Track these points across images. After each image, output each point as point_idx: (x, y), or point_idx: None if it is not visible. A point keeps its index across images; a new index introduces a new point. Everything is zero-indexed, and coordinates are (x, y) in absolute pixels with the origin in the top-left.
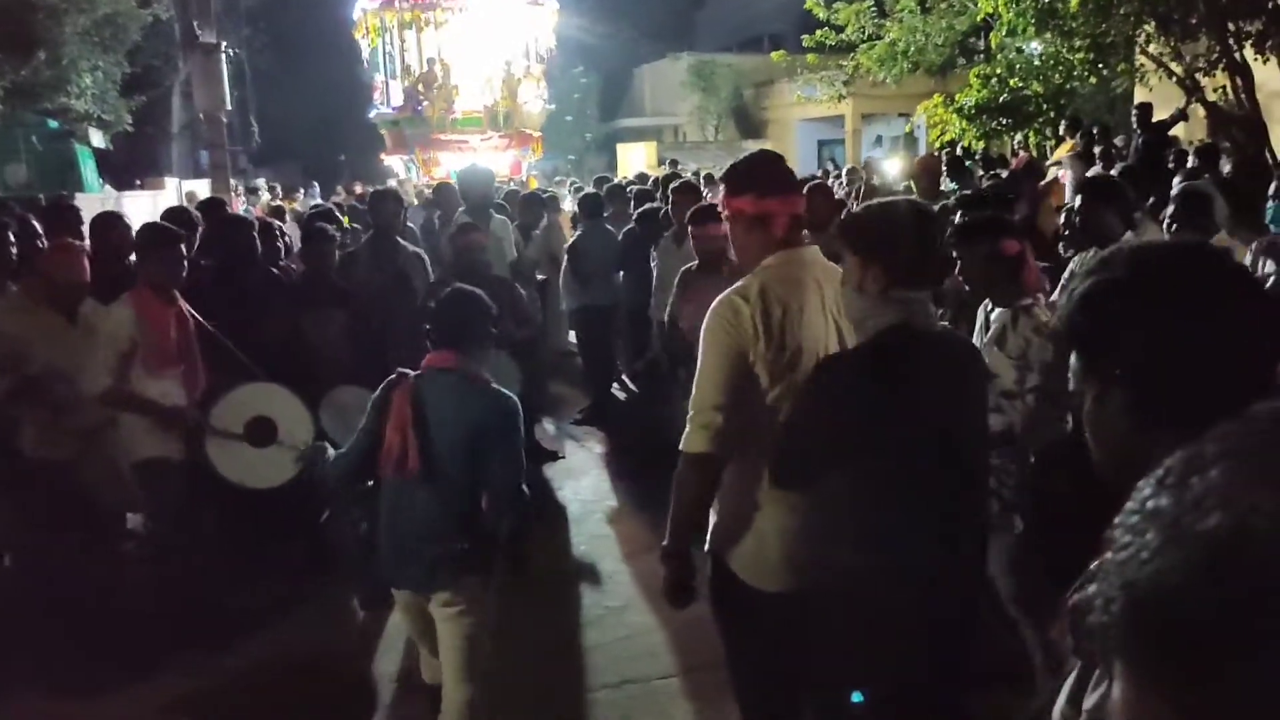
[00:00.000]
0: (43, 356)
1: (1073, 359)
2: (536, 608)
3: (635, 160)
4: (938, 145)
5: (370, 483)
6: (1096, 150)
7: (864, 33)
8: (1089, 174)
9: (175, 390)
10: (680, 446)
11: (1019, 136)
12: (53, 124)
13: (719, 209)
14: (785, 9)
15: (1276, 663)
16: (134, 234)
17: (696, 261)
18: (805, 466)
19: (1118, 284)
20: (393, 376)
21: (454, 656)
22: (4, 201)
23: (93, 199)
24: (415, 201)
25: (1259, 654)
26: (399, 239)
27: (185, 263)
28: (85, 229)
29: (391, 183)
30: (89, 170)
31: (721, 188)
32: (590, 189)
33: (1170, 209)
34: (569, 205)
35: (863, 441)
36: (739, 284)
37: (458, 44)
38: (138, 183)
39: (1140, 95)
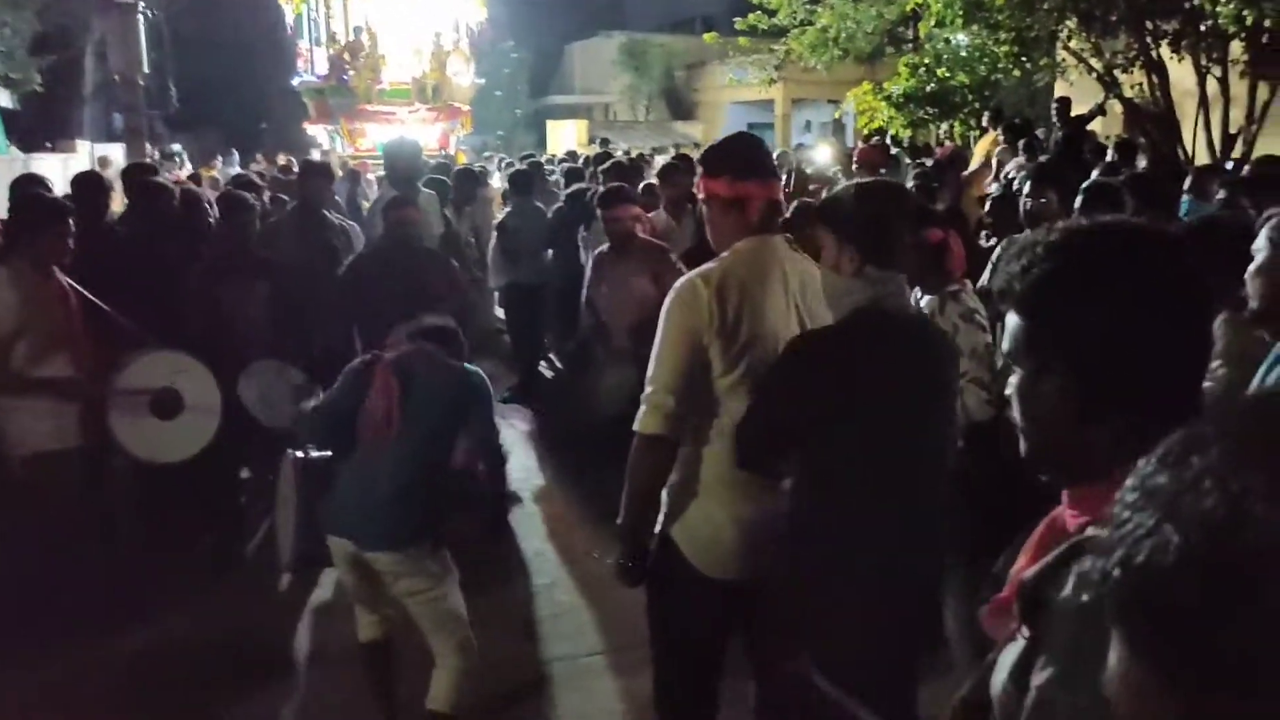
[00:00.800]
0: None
1: (1012, 323)
2: (463, 585)
3: (565, 138)
4: (866, 132)
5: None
6: (1020, 142)
7: (796, 18)
8: (1036, 161)
9: (66, 372)
10: (634, 427)
11: (944, 126)
12: None
13: (627, 192)
14: None
15: (1264, 644)
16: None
17: (608, 244)
18: (769, 445)
19: (1080, 259)
20: (369, 355)
21: (428, 617)
22: None
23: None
24: (340, 173)
25: (1248, 635)
26: (325, 212)
27: (71, 240)
28: None
29: (315, 153)
30: None
31: (699, 168)
32: (520, 166)
33: (1080, 202)
34: (497, 181)
35: (827, 420)
36: (704, 267)
37: (386, 12)
38: (47, 145)
39: (1060, 89)
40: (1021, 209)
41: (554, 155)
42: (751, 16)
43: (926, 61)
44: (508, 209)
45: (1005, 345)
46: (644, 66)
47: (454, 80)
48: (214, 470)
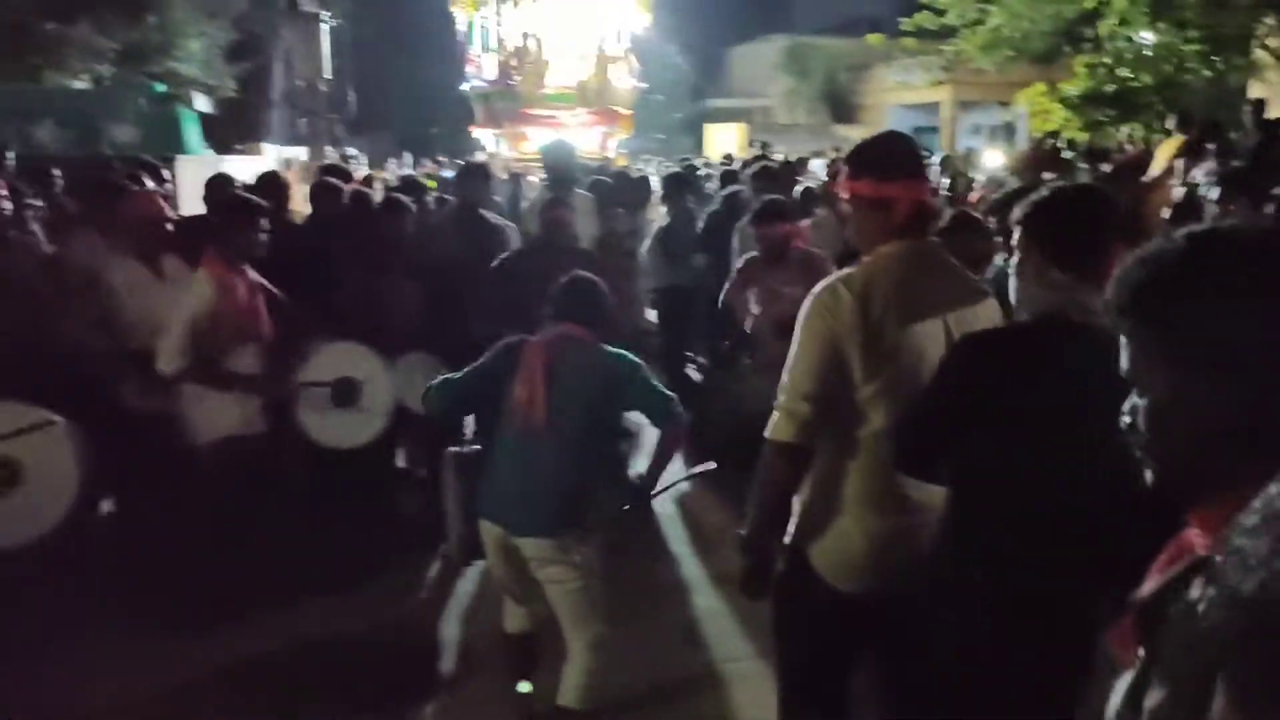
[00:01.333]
0: (133, 307)
1: (1137, 336)
2: (608, 581)
3: (723, 141)
4: (1039, 135)
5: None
6: (1210, 147)
7: (966, 17)
8: (1227, 166)
9: (253, 364)
10: (765, 433)
11: (1125, 129)
12: (159, 88)
13: (779, 207)
14: None
15: None
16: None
17: (756, 252)
18: (927, 445)
19: (1217, 260)
20: (514, 339)
21: (567, 607)
22: (109, 160)
23: (193, 161)
24: (503, 175)
25: None
26: (483, 212)
27: (263, 236)
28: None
29: (480, 156)
30: (192, 134)
31: (843, 168)
32: (675, 168)
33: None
34: (654, 184)
35: (988, 424)
36: (846, 270)
37: (552, 18)
38: (237, 147)
39: (1256, 91)
40: (1209, 218)
41: (709, 159)
42: (918, 16)
43: (1107, 61)
44: (667, 212)
45: (1126, 364)
46: (805, 69)
47: (616, 84)
48: (373, 461)
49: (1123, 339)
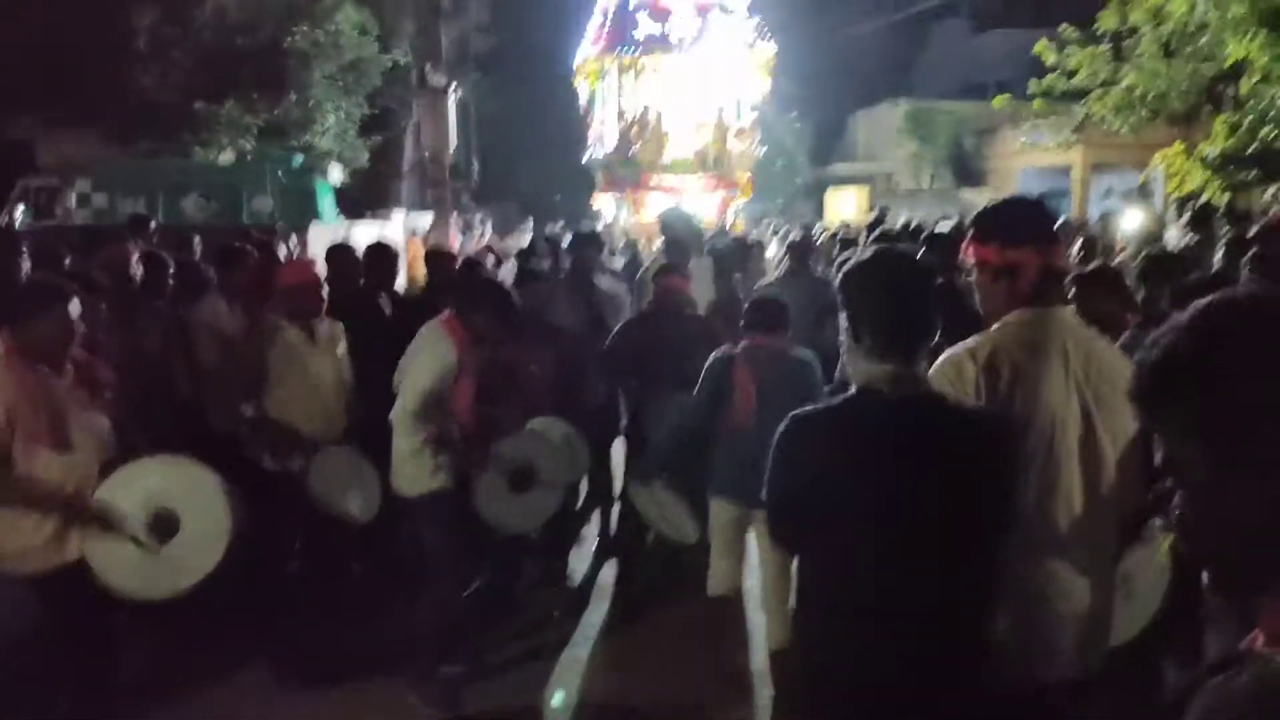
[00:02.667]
0: (288, 373)
1: (1175, 419)
2: None
3: (844, 206)
4: (1176, 197)
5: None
6: None
7: (1098, 78)
8: None
9: (453, 425)
10: None
11: (1270, 190)
12: (298, 160)
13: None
14: (1011, 55)
15: None
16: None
17: None
18: (785, 530)
19: (1237, 324)
20: (718, 353)
21: (778, 571)
22: (247, 229)
23: (326, 228)
24: (623, 241)
25: None
26: (595, 281)
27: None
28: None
29: (599, 224)
30: (327, 203)
31: (970, 232)
32: (793, 234)
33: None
34: (773, 250)
35: (816, 510)
36: (971, 340)
37: (674, 88)
38: (367, 214)
39: None
40: None
41: (828, 225)
42: (1048, 78)
43: (1249, 119)
44: (771, 280)
45: (1163, 455)
46: (929, 133)
47: (735, 150)
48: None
49: (1153, 427)
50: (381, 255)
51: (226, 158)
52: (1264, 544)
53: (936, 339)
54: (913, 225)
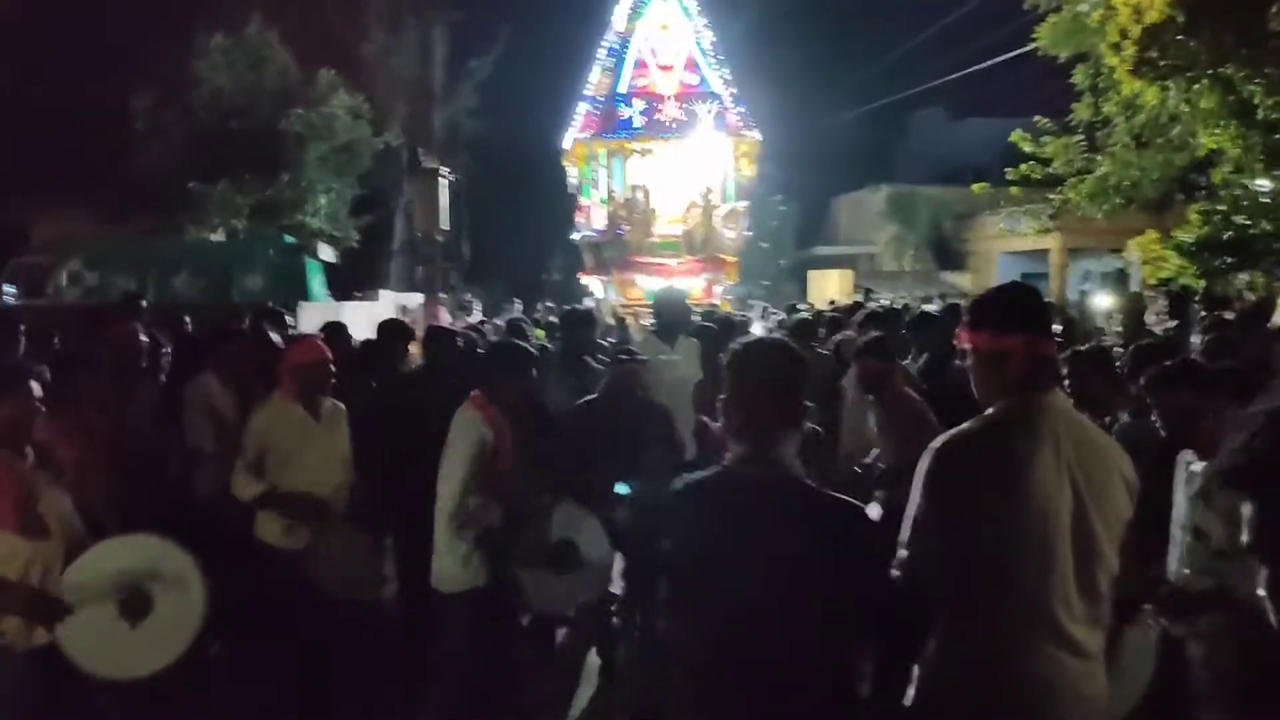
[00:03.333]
0: (294, 451)
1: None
2: None
3: (828, 287)
4: (1153, 282)
5: None
6: None
7: (1073, 166)
8: None
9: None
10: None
11: (1244, 276)
12: (288, 239)
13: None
14: (989, 142)
15: None
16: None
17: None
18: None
19: None
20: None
21: None
22: (238, 307)
23: (316, 308)
24: (611, 321)
25: None
26: (588, 359)
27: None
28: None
29: (589, 302)
30: (316, 282)
31: (964, 317)
32: (804, 314)
33: None
34: (758, 329)
35: (681, 581)
36: (966, 424)
37: (661, 171)
38: (357, 294)
39: None
40: None
41: (813, 305)
42: (1024, 166)
43: (1222, 208)
44: None
45: (1249, 536)
46: (910, 217)
47: (721, 232)
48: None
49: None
50: (401, 333)
51: (218, 237)
52: None
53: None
54: (900, 305)
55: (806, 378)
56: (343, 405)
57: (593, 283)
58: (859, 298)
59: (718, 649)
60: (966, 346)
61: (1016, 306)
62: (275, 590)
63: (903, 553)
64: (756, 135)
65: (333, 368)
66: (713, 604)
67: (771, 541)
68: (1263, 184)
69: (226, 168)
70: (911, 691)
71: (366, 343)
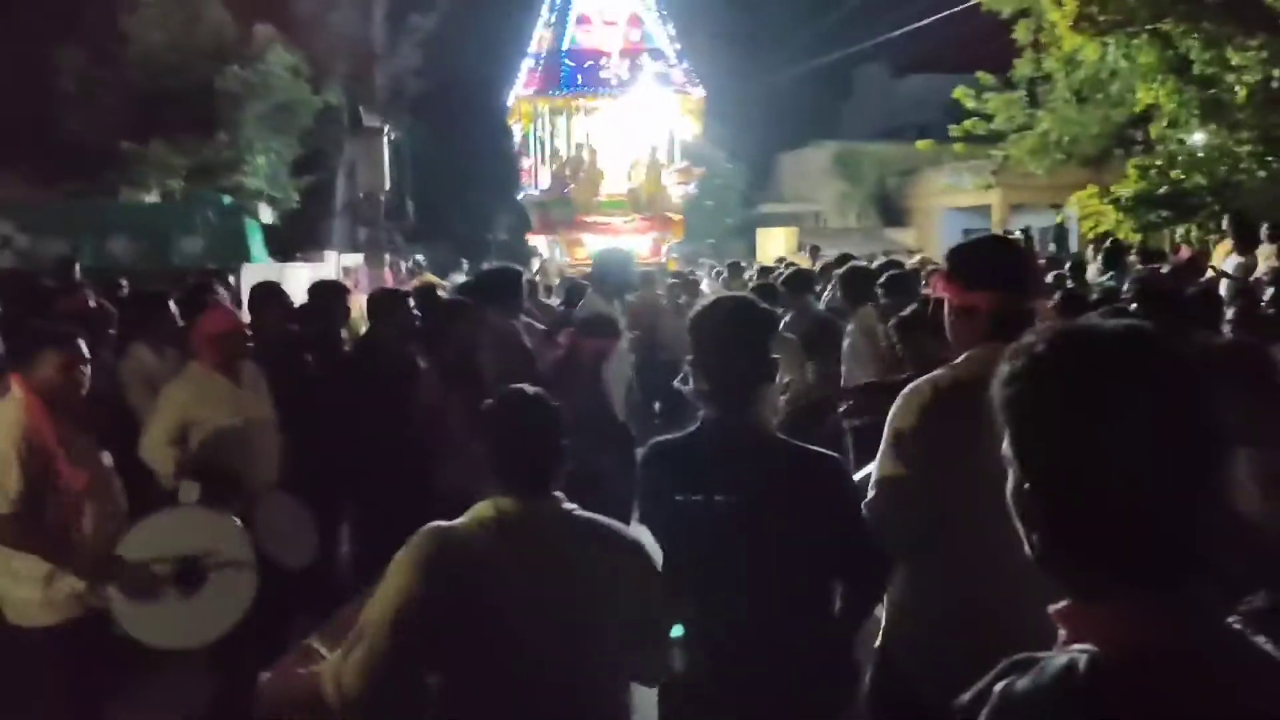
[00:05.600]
0: (216, 419)
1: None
2: None
3: (774, 246)
4: (1091, 237)
5: None
6: (1269, 248)
7: (1014, 122)
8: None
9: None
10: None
11: (1180, 230)
12: (227, 201)
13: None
14: (932, 99)
15: None
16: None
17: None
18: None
19: (1047, 369)
20: None
21: None
22: (179, 271)
23: (257, 270)
24: (556, 281)
25: None
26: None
27: None
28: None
29: (534, 262)
30: (257, 244)
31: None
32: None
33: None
34: (706, 287)
35: (672, 531)
36: (935, 372)
37: (606, 129)
38: (298, 256)
39: None
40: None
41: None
42: (967, 123)
43: (1159, 163)
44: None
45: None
46: (855, 174)
47: (668, 192)
48: None
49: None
50: (335, 294)
51: (154, 198)
52: (1043, 559)
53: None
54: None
55: (774, 332)
56: (259, 370)
57: (540, 243)
58: (806, 255)
59: (710, 612)
60: (941, 297)
61: (988, 262)
62: None
63: (872, 493)
64: (701, 92)
65: (248, 333)
66: (700, 564)
67: (750, 496)
68: (1198, 138)
69: (161, 127)
70: (882, 639)
71: (301, 307)
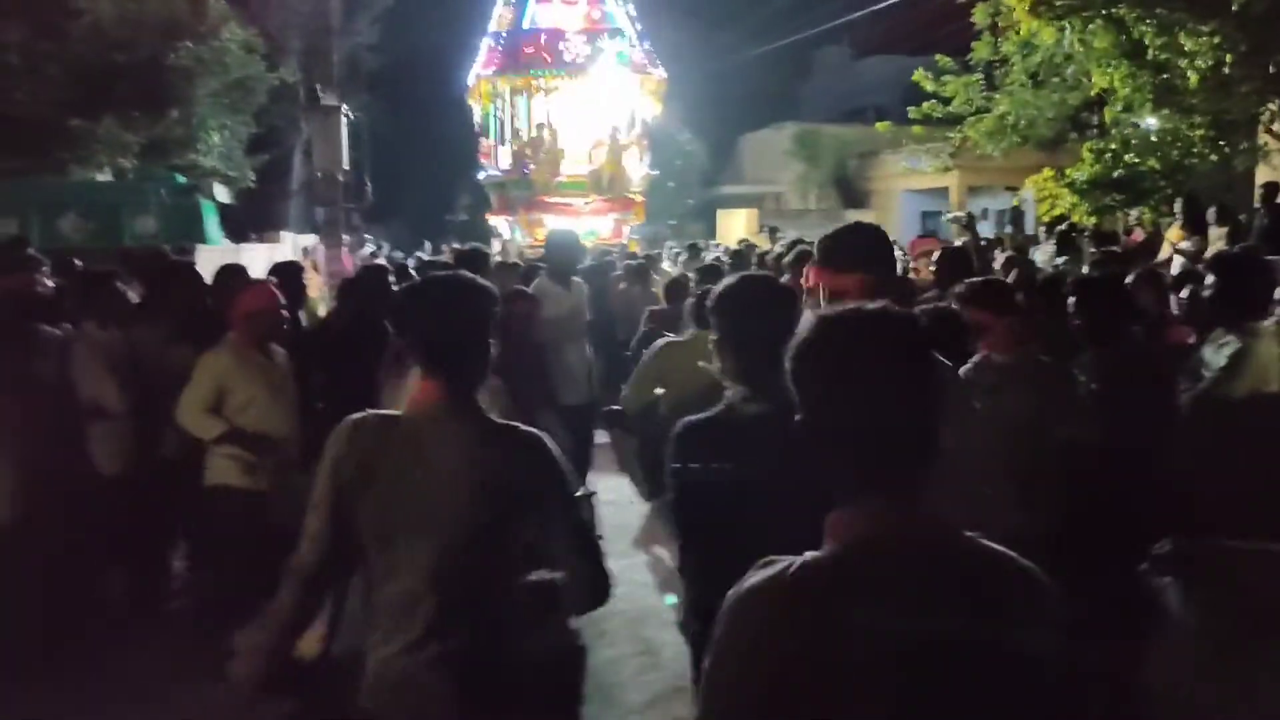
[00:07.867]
0: (255, 395)
1: None
2: None
3: (735, 227)
4: (1047, 219)
5: None
6: (1218, 231)
7: (972, 105)
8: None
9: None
10: None
11: (1133, 213)
12: (180, 179)
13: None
14: (890, 81)
15: None
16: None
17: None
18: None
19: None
20: None
21: None
22: (130, 252)
23: (213, 250)
24: (518, 262)
25: None
26: None
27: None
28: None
29: (495, 243)
30: (212, 224)
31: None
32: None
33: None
34: (667, 267)
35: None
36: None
37: (566, 109)
38: (253, 236)
39: (1264, 175)
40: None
41: (721, 244)
42: (925, 105)
43: (1113, 147)
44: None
45: None
46: (815, 156)
47: (628, 172)
48: None
49: None
50: (290, 275)
51: (105, 176)
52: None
53: None
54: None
55: (797, 308)
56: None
57: (500, 223)
58: (766, 237)
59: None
60: (812, 283)
61: (853, 246)
62: (240, 529)
63: None
64: (662, 73)
65: (284, 313)
66: (727, 533)
67: (778, 468)
68: (1151, 123)
69: (111, 104)
70: None
71: None
